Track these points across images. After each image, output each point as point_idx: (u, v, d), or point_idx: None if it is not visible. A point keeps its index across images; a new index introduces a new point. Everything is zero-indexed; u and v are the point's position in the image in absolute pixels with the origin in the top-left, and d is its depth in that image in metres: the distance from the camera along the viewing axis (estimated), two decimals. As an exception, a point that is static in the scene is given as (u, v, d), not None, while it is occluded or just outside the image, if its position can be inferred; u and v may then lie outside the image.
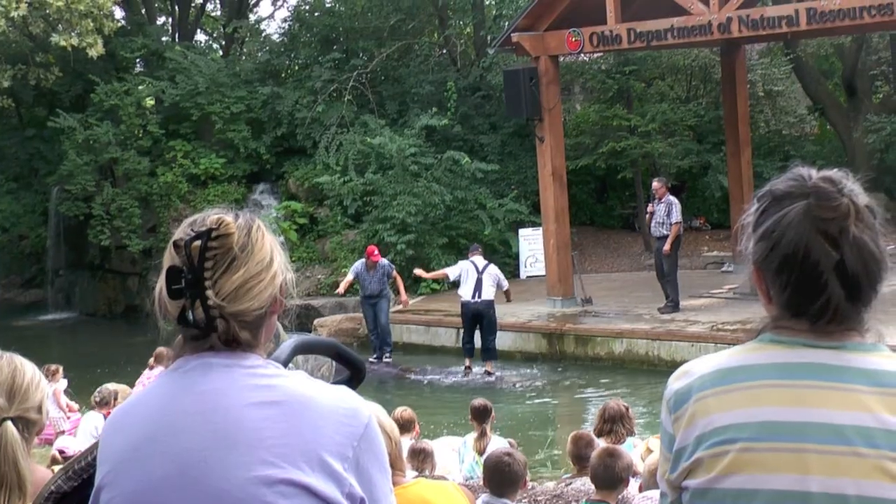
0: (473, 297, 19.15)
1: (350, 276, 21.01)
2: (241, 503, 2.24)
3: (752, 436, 2.20)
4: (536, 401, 18.33)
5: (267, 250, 2.39)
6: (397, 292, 21.15)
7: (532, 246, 25.37)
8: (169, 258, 2.36)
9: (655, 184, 20.23)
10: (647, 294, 21.44)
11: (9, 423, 2.92)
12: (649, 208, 20.26)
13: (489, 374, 19.36)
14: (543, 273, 22.91)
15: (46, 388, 3.07)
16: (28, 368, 3.03)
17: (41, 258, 33.06)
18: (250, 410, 2.29)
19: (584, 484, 8.16)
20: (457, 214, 26.12)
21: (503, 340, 20.67)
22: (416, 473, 9.26)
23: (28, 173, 31.93)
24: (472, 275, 19.23)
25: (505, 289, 19.73)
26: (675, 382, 2.36)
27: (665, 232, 19.68)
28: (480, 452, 10.43)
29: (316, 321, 22.92)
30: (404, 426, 10.70)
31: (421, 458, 9.53)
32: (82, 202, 28.96)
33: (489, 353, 19.41)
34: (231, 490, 2.25)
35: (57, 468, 3.12)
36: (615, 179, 29.26)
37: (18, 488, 2.90)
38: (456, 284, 20.07)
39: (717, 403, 2.25)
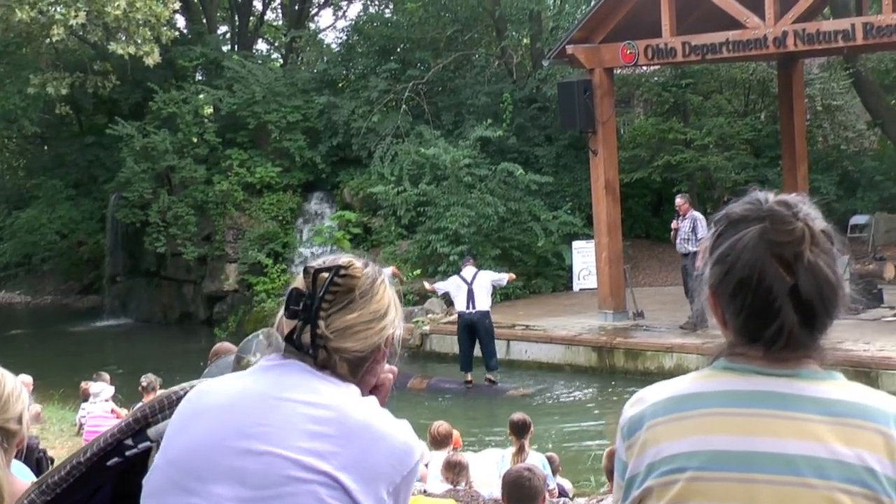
0: (467, 307, 19.11)
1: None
2: (286, 480, 2.31)
3: (701, 465, 2.15)
4: (583, 415, 18.19)
5: (385, 303, 2.51)
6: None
7: (585, 259, 25.21)
8: (297, 280, 2.48)
9: (679, 200, 20.21)
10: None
11: (-13, 434, 2.92)
12: (674, 225, 20.18)
13: (491, 382, 19.26)
14: (596, 286, 22.79)
15: (27, 400, 3.07)
16: (9, 380, 3.04)
17: (99, 264, 33.44)
18: (317, 410, 2.38)
19: (617, 501, 8.06)
20: (510, 226, 26.04)
21: (553, 353, 20.58)
22: (450, 486, 9.23)
23: (87, 180, 32.35)
24: (463, 287, 19.22)
25: (506, 281, 20.27)
26: (630, 409, 2.32)
27: (691, 248, 19.51)
28: (517, 467, 10.36)
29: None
30: (442, 441, 10.68)
31: (456, 471, 9.48)
32: (139, 209, 29.21)
33: (489, 362, 19.28)
34: (277, 461, 2.32)
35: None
36: (671, 193, 28.97)
37: (-4, 499, 2.91)
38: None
39: (667, 431, 2.21)
